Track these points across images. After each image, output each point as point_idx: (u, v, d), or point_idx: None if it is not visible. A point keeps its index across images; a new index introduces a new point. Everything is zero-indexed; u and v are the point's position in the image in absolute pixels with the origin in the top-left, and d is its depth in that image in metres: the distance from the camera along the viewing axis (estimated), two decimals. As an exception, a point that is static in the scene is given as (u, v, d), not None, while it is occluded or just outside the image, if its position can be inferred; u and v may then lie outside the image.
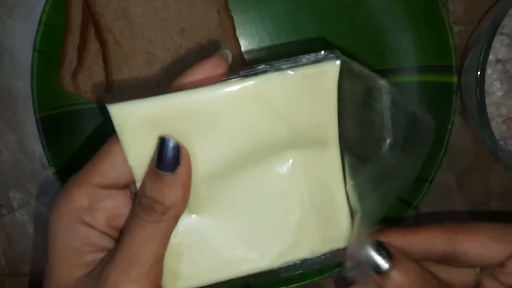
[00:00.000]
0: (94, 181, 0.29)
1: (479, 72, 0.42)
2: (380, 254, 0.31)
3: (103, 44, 0.44)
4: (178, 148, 0.28)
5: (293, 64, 0.29)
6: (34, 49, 0.45)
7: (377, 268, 0.31)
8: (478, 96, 0.42)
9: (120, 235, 0.30)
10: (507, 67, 0.45)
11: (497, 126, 0.46)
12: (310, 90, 0.29)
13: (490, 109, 0.46)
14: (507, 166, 0.44)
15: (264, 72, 0.28)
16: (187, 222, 0.30)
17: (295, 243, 0.31)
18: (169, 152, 0.28)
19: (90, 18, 0.44)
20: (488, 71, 0.45)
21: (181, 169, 0.28)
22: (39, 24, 0.45)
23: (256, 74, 0.28)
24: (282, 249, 0.31)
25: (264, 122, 0.29)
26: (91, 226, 0.29)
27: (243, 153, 0.30)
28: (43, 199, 0.51)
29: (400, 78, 0.49)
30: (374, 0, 0.48)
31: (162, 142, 0.28)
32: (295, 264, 0.32)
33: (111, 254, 0.29)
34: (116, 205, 0.30)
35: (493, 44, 0.43)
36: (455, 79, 0.47)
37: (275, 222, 0.31)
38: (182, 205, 0.29)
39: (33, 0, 0.49)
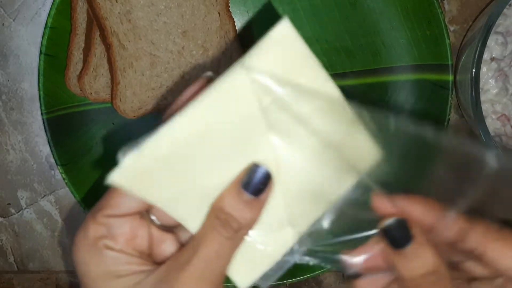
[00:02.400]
0: (107, 212, 0.30)
1: (474, 70, 0.43)
2: (401, 228, 0.29)
3: (107, 46, 0.45)
4: (268, 176, 0.29)
5: None
6: (40, 52, 0.46)
7: (395, 242, 0.29)
8: (473, 93, 0.43)
9: (191, 240, 0.30)
10: (502, 65, 0.46)
11: (492, 123, 0.47)
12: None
13: (485, 106, 0.46)
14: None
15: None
16: None
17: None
18: (259, 178, 0.29)
19: (95, 21, 0.45)
20: (483, 69, 0.46)
21: (263, 195, 0.29)
22: (45, 28, 0.46)
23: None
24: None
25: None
26: (115, 249, 0.30)
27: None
28: (50, 198, 0.52)
29: (396, 76, 0.49)
30: (371, 0, 0.49)
31: (255, 167, 0.29)
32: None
33: (181, 260, 0.30)
34: (132, 228, 0.31)
35: (488, 43, 0.44)
36: (451, 77, 0.48)
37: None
38: (253, 226, 0.30)
39: (37, 3, 0.50)
